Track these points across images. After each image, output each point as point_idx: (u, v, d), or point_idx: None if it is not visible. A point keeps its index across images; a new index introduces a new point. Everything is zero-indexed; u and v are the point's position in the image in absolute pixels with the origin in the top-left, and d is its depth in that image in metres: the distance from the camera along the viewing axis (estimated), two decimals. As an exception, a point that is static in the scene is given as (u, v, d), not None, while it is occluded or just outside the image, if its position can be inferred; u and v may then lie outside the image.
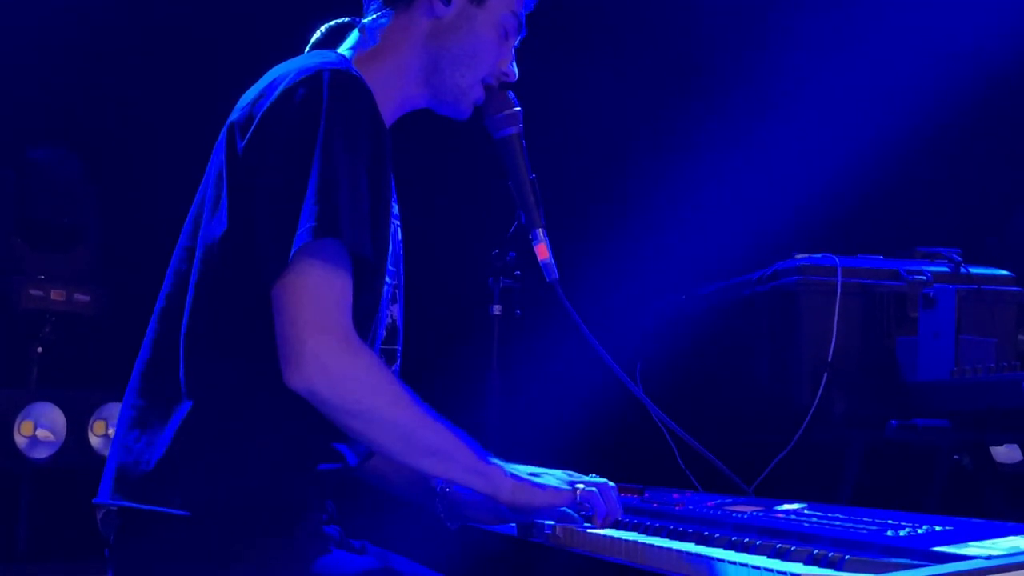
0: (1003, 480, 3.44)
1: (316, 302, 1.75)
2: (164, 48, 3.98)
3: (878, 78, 4.06)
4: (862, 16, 4.18)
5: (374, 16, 2.10)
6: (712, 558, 1.50)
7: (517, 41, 2.15)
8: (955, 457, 3.17)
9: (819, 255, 3.09)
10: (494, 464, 1.89)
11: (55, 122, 3.94)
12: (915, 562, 1.33)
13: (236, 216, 1.83)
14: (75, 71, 3.93)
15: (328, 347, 1.74)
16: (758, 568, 1.39)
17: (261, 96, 1.87)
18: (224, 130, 1.90)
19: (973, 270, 3.13)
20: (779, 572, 1.36)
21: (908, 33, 4.11)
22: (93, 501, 1.88)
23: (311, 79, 1.83)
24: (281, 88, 1.84)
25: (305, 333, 1.73)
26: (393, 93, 2.06)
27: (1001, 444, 3.57)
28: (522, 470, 1.95)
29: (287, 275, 1.74)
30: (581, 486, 1.93)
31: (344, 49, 2.10)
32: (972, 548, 1.34)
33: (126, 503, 1.80)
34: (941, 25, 4.05)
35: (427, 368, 2.78)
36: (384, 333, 2.09)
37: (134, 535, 1.81)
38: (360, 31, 2.10)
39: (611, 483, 1.99)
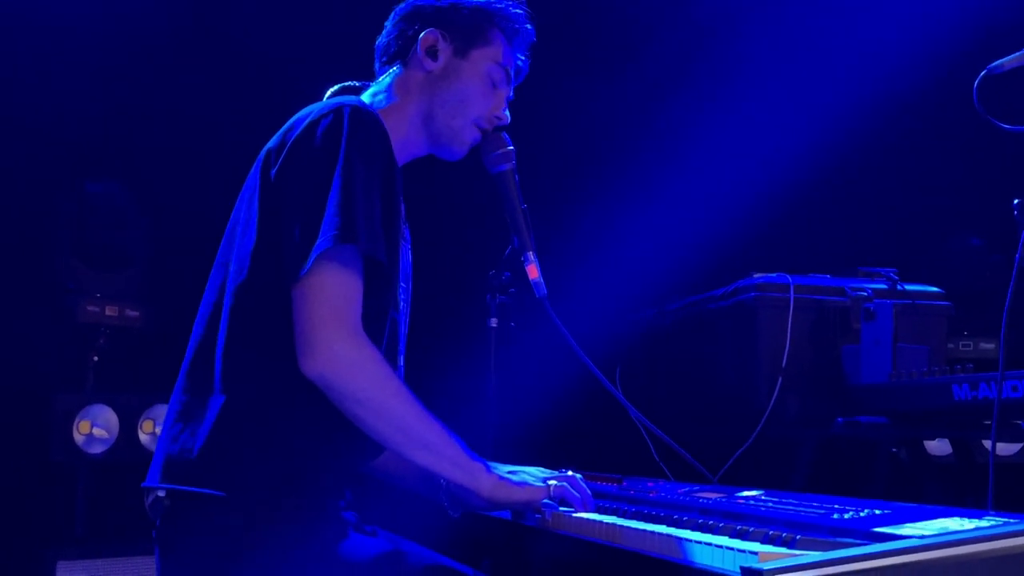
0: (935, 470, 3.45)
1: (330, 300, 1.76)
2: (203, 94, 4.00)
3: (824, 117, 4.07)
4: (813, 53, 4.19)
5: (382, 77, 2.15)
6: (681, 538, 1.49)
7: (510, 90, 2.18)
8: (893, 450, 3.17)
9: (774, 274, 3.09)
10: (478, 462, 1.89)
11: (109, 160, 3.95)
12: (858, 541, 1.33)
13: (265, 230, 1.85)
14: (126, 115, 3.94)
15: (339, 339, 1.75)
16: (721, 547, 1.39)
17: (291, 128, 1.91)
18: (260, 158, 1.93)
19: (908, 287, 3.13)
20: (739, 550, 1.36)
21: (850, 70, 4.13)
22: (142, 484, 1.88)
23: (334, 112, 1.87)
24: (308, 120, 1.88)
25: (319, 326, 1.75)
26: (401, 138, 2.09)
27: (933, 439, 3.57)
28: (503, 468, 1.96)
29: (306, 276, 1.76)
30: (553, 482, 1.94)
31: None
32: (907, 529, 1.34)
33: (172, 486, 1.81)
34: (880, 63, 4.07)
35: (434, 373, 2.78)
36: (403, 338, 2.10)
37: (178, 515, 1.81)
38: (370, 92, 2.15)
39: (578, 475, 2.00)
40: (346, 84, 2.19)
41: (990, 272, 4.22)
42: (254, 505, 1.77)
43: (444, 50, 2.10)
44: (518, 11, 2.17)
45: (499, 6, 2.15)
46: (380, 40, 2.20)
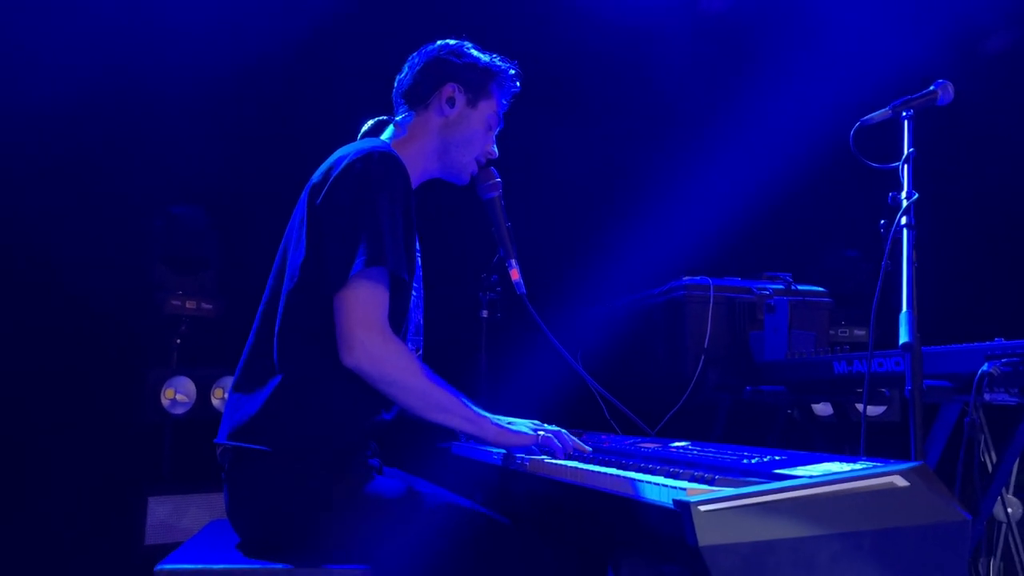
0: (820, 426, 3.46)
1: (364, 308, 1.76)
2: (263, 136, 3.99)
3: (743, 163, 4.08)
4: (740, 120, 4.19)
5: (403, 115, 2.14)
6: (629, 478, 1.50)
7: (496, 131, 2.19)
8: (789, 411, 3.18)
9: (698, 277, 3.10)
10: (483, 416, 1.91)
11: (189, 187, 3.93)
12: (762, 480, 1.34)
13: (311, 248, 1.84)
14: (203, 154, 3.92)
15: (371, 338, 1.75)
16: (658, 484, 1.39)
17: (332, 167, 1.89)
18: (307, 189, 1.93)
19: (800, 287, 3.14)
20: (672, 487, 1.36)
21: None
22: (214, 441, 1.88)
23: (365, 157, 1.86)
24: (345, 162, 1.87)
25: (356, 328, 1.75)
26: (417, 166, 2.09)
27: (819, 403, 3.59)
28: (503, 420, 1.96)
29: (345, 289, 1.76)
30: (542, 432, 1.95)
31: (384, 137, 2.12)
32: (800, 470, 1.35)
33: (234, 443, 1.80)
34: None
35: (438, 355, 2.77)
36: (413, 328, 2.10)
37: (241, 465, 1.81)
38: (394, 126, 2.14)
39: (563, 430, 2.01)
40: (378, 119, 2.18)
41: (862, 276, 4.25)
42: (295, 457, 1.77)
43: (460, 101, 2.10)
44: (512, 72, 2.17)
45: (500, 68, 2.15)
46: (403, 80, 2.15)
